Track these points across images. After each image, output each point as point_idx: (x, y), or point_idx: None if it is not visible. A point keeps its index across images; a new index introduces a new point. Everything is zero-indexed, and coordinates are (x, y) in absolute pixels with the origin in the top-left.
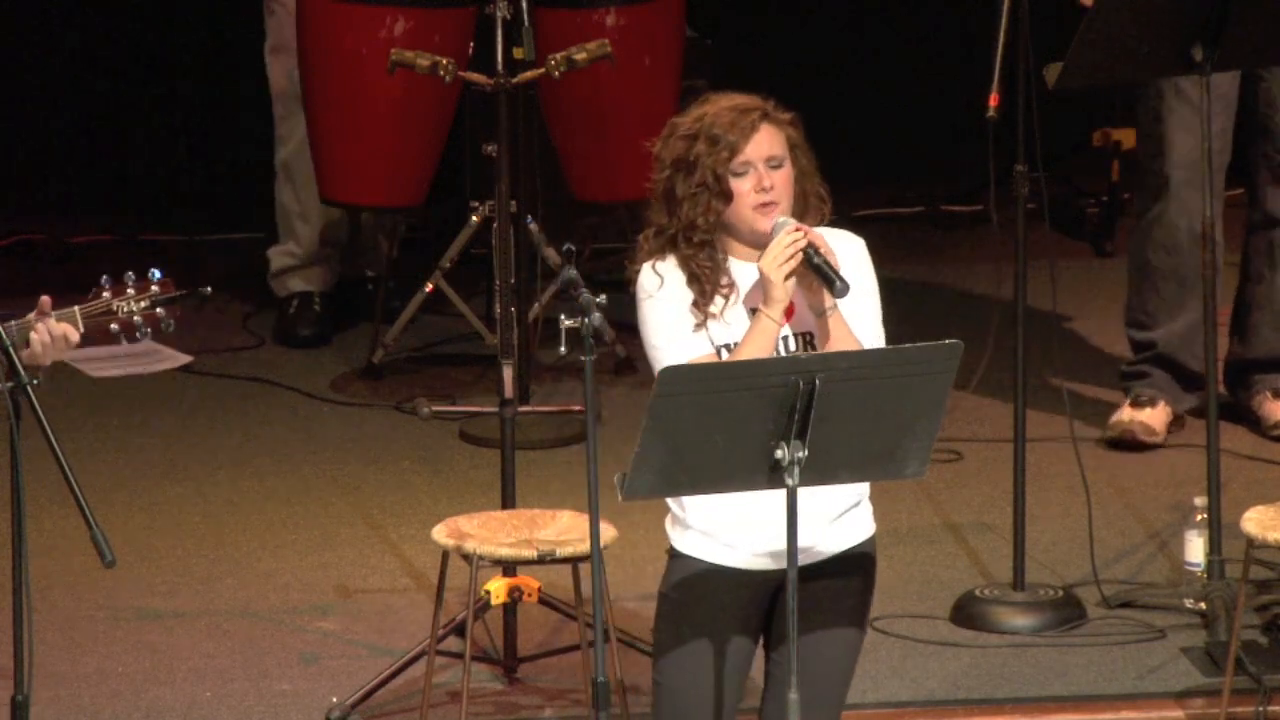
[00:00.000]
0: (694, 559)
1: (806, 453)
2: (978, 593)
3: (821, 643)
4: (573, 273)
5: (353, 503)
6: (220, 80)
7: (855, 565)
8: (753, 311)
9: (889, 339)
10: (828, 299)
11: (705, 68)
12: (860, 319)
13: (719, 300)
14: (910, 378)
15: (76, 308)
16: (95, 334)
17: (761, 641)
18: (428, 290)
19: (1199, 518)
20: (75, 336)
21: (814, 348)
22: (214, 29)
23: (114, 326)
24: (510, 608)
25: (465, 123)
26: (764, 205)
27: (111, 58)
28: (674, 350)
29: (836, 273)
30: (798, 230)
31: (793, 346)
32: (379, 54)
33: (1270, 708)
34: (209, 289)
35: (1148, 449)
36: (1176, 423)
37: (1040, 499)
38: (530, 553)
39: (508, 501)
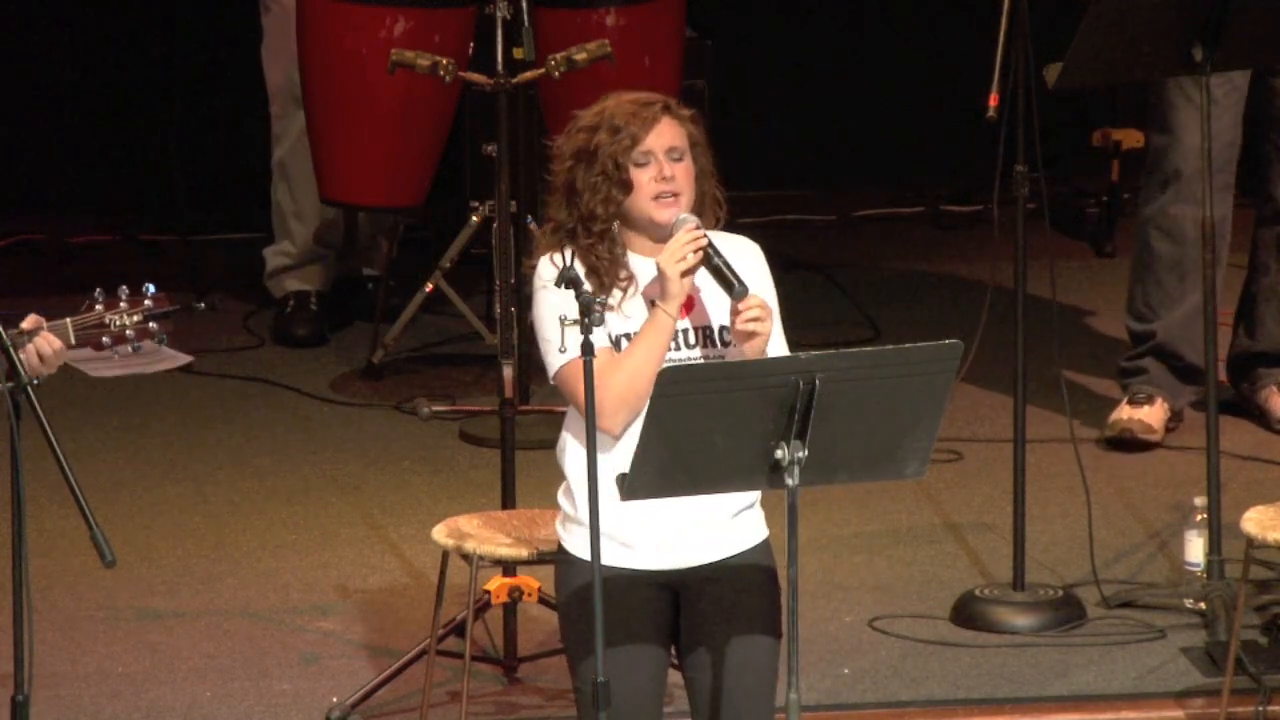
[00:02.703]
0: (588, 562)
1: (806, 453)
2: (978, 593)
3: (736, 653)
4: (573, 272)
5: (353, 503)
6: (220, 80)
7: (755, 571)
8: (652, 304)
9: (892, 340)
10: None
11: (705, 68)
12: None
13: (617, 292)
14: (910, 378)
15: (68, 320)
16: (87, 345)
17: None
18: (428, 290)
19: (1199, 518)
20: (61, 346)
21: (715, 342)
22: (214, 29)
23: (106, 339)
24: (510, 608)
25: (465, 123)
26: (663, 196)
27: (111, 58)
28: (566, 342)
29: (736, 275)
30: (698, 229)
31: (692, 340)
32: (379, 54)
33: (1270, 708)
34: (202, 304)
35: (1147, 448)
36: (1175, 419)
37: (1040, 499)
38: (530, 553)
39: (508, 501)
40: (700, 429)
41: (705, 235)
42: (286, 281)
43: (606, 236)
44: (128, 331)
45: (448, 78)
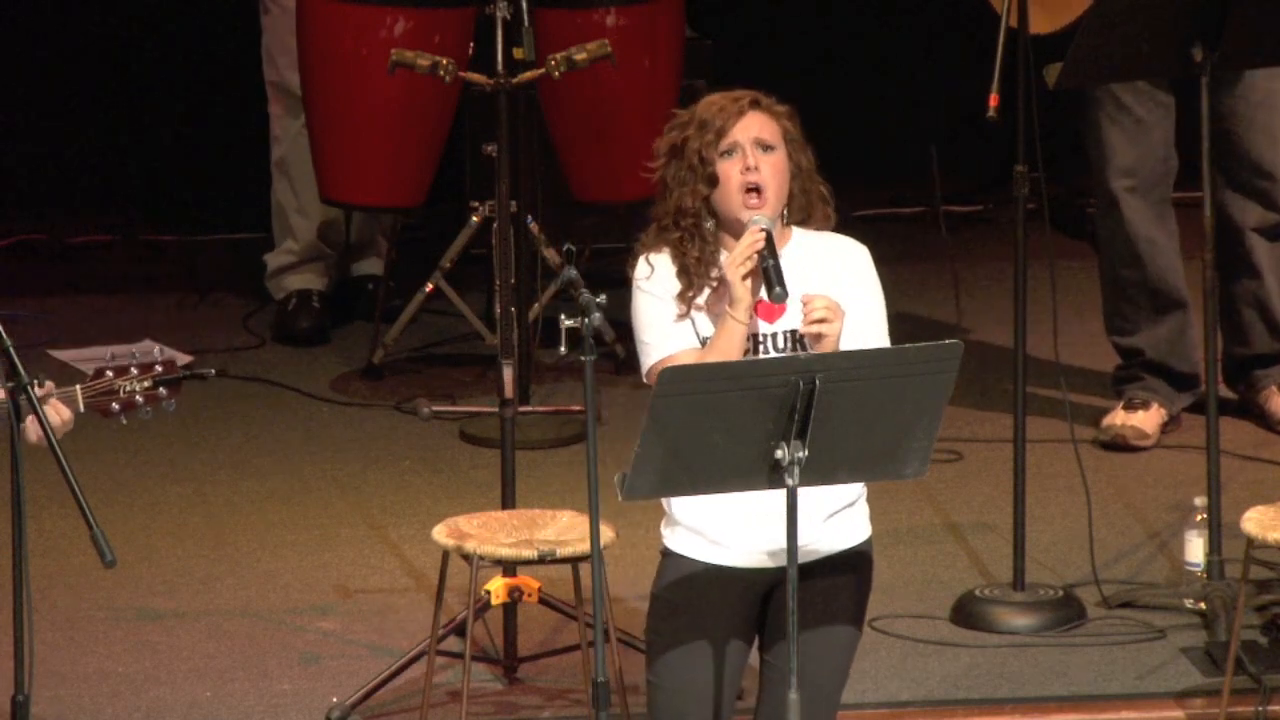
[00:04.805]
0: (685, 558)
1: (807, 453)
2: (978, 593)
3: (817, 642)
4: (573, 273)
5: (353, 503)
6: (220, 80)
7: (851, 565)
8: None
9: (893, 340)
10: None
11: (705, 68)
12: (865, 326)
13: (707, 292)
14: (910, 378)
15: (78, 387)
16: (96, 411)
17: (756, 642)
18: (428, 290)
19: (1199, 518)
20: (70, 416)
21: (803, 347)
22: (214, 29)
23: (115, 405)
24: (510, 608)
25: (465, 123)
26: (750, 189)
27: (111, 57)
28: (660, 346)
29: (780, 279)
30: (762, 232)
31: (781, 345)
32: (379, 54)
33: (1270, 708)
34: (213, 371)
35: (1139, 451)
36: (1172, 423)
37: (1040, 499)
38: (530, 553)
39: (508, 501)
40: (700, 429)
41: (764, 237)
42: (288, 280)
43: (698, 234)
44: (137, 397)
45: (448, 78)
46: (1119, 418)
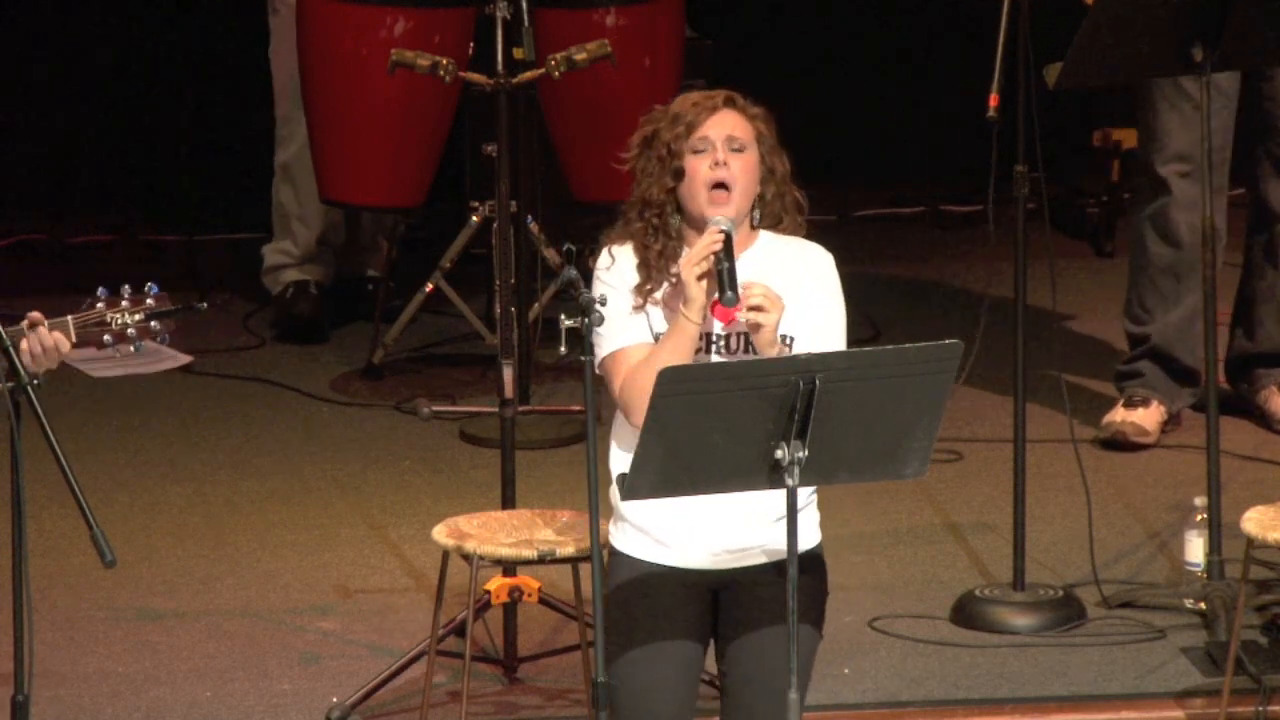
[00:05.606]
0: (632, 558)
1: (807, 453)
2: (978, 593)
3: (773, 641)
4: (573, 273)
5: (353, 503)
6: (220, 80)
7: (803, 565)
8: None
9: (892, 340)
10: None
11: (705, 68)
12: (825, 331)
13: (666, 287)
14: (910, 378)
15: (70, 317)
16: (88, 343)
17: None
18: (428, 290)
19: (1199, 518)
20: (66, 346)
21: (752, 349)
22: (215, 29)
23: (107, 337)
24: (510, 608)
25: (465, 123)
26: (717, 187)
27: (112, 57)
28: (613, 338)
29: (731, 283)
30: (721, 233)
31: (734, 346)
32: (379, 54)
33: (1270, 708)
34: (204, 304)
35: (1140, 449)
36: (1172, 421)
37: (1040, 499)
38: (530, 553)
39: (508, 501)
40: (700, 429)
41: (723, 239)
42: (285, 274)
43: (662, 229)
44: (129, 330)
45: (448, 78)
46: (1119, 415)
